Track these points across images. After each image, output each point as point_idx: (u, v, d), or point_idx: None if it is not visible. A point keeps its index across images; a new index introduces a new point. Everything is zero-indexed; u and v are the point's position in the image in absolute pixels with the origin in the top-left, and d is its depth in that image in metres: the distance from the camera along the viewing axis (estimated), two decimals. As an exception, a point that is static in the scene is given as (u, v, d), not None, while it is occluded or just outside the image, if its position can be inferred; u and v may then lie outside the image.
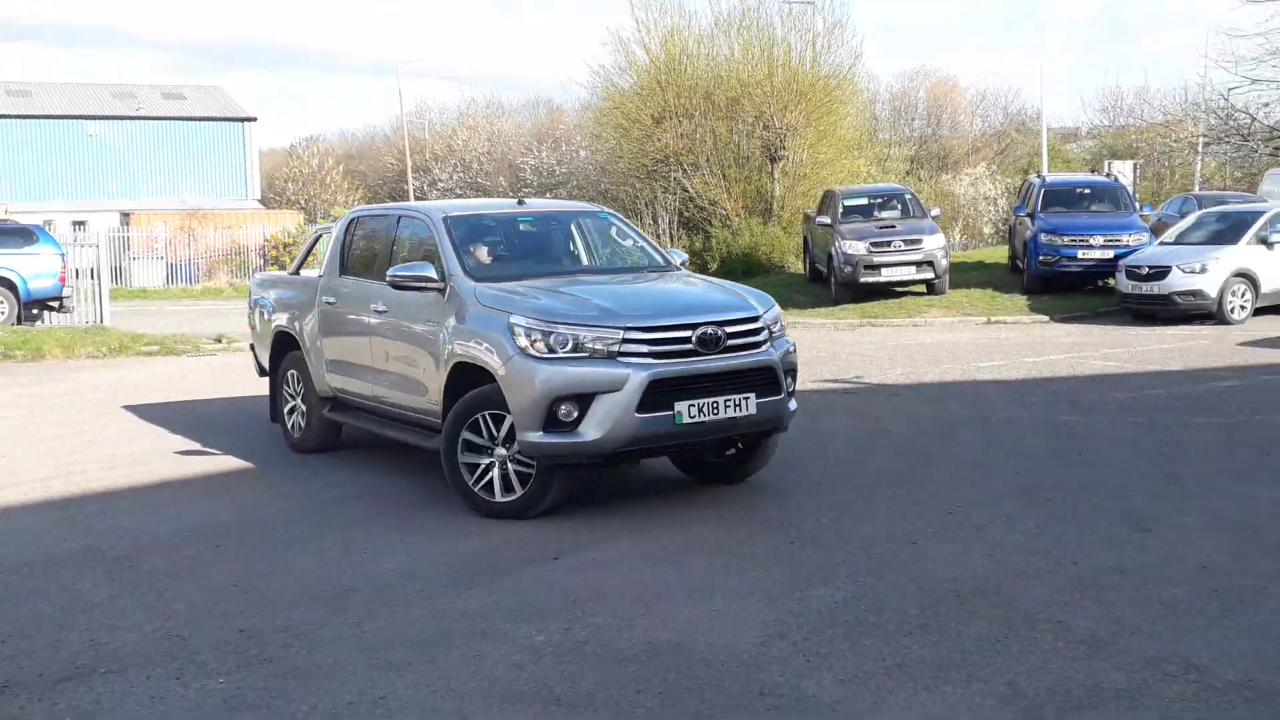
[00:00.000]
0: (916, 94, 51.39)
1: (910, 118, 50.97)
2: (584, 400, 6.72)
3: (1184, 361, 13.22)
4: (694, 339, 6.93)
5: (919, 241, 20.21)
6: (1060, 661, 4.68)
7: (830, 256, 20.96)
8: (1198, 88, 38.88)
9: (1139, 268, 17.57)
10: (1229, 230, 17.93)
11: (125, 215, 37.41)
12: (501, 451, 7.10)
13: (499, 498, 7.14)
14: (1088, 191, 21.83)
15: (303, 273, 10.11)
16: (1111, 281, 18.81)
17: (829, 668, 4.69)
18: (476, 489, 7.18)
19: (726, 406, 6.95)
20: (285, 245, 32.26)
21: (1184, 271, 17.02)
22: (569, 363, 6.78)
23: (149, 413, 11.53)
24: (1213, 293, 16.85)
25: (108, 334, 18.06)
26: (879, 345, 15.65)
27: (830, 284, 21.10)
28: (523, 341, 6.86)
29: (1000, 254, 26.15)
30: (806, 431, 9.34)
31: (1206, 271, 16.92)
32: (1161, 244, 18.71)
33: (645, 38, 31.22)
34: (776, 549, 6.38)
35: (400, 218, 8.61)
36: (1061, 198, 21.21)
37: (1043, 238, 19.82)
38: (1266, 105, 28.91)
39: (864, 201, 22.37)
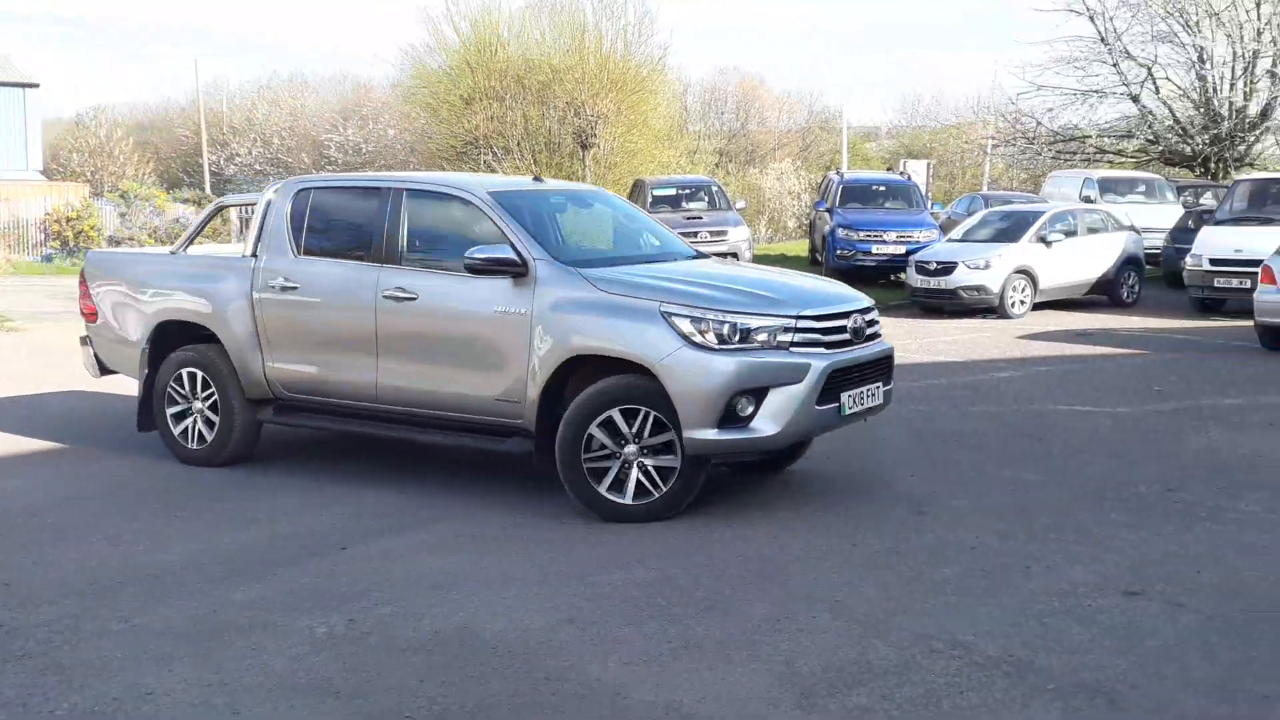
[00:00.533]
0: (726, 89, 52.52)
1: (720, 111, 52.05)
2: (759, 393, 6.38)
3: (966, 353, 13.89)
4: (848, 328, 6.81)
5: (724, 233, 20.68)
6: (836, 640, 4.84)
7: (638, 245, 21.20)
8: (989, 92, 40.96)
9: (928, 263, 18.34)
10: (1012, 229, 18.89)
11: (-113, 183, 34.58)
12: (632, 449, 6.55)
13: (634, 500, 6.57)
14: (883, 189, 22.78)
15: (192, 250, 8.88)
16: (903, 276, 19.60)
17: (615, 651, 4.73)
18: (608, 493, 6.58)
19: (868, 396, 6.89)
20: (69, 219, 30.57)
21: (969, 268, 17.85)
22: (744, 353, 6.37)
23: (-94, 395, 10.72)
24: (995, 288, 17.72)
25: None
26: (682, 333, 15.85)
27: (637, 272, 21.31)
28: (688, 330, 6.36)
29: (802, 247, 26.98)
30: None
31: (990, 268, 17.78)
32: (949, 241, 19.60)
33: (455, 17, 30.87)
34: (570, 535, 6.39)
35: (403, 192, 7.46)
36: (859, 194, 22.07)
37: (840, 233, 20.58)
38: (1050, 110, 30.66)
39: (672, 192, 22.78)
